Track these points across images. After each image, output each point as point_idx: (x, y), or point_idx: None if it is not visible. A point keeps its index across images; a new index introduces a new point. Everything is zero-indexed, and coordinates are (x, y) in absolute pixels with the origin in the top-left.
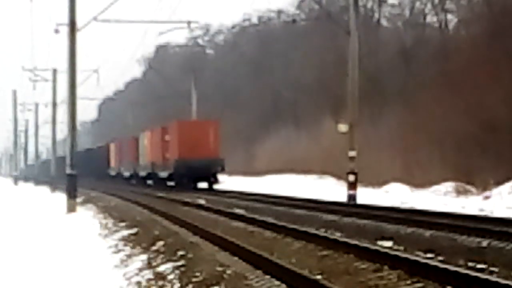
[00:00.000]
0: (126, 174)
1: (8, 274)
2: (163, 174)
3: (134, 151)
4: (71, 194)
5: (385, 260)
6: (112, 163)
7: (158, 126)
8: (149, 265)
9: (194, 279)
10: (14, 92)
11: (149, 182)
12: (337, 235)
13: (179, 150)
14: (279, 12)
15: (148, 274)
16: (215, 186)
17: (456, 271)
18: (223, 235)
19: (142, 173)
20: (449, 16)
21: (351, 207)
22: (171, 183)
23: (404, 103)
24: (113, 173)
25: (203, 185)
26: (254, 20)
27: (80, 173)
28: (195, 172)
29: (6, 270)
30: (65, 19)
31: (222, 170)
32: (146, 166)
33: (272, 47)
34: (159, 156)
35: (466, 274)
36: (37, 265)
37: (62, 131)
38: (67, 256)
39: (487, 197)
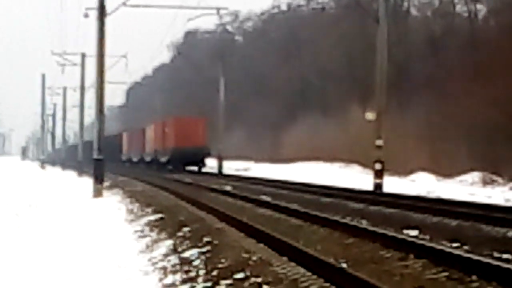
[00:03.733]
0: (135, 159)
1: (34, 258)
2: (163, 159)
3: (142, 140)
4: (98, 179)
5: (410, 249)
6: (124, 149)
7: (159, 120)
8: (174, 250)
9: (219, 265)
10: (43, 76)
11: (155, 167)
12: (363, 224)
13: (175, 140)
14: None
15: (174, 259)
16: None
17: (481, 261)
18: (249, 222)
19: (147, 159)
20: (479, 6)
21: (377, 196)
22: (170, 167)
23: (432, 92)
24: (124, 158)
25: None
26: (283, 7)
27: (89, 158)
28: (187, 157)
29: (33, 254)
30: (95, 3)
31: (208, 156)
32: (150, 152)
33: (300, 35)
34: (160, 145)
35: (491, 264)
36: (63, 249)
37: (90, 115)
38: (93, 241)
39: None
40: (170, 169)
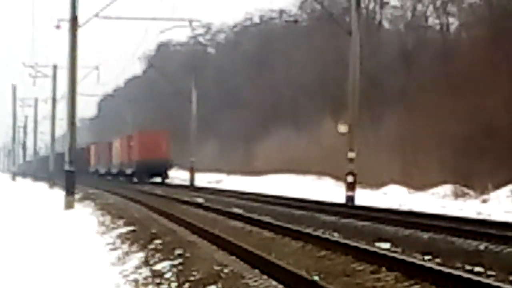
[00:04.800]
0: (102, 171)
1: (5, 270)
2: (128, 171)
3: (109, 153)
4: (69, 191)
5: (382, 262)
6: (92, 162)
7: (125, 134)
8: (146, 263)
9: (191, 278)
10: (14, 87)
11: (121, 178)
12: (335, 236)
13: (139, 153)
14: (281, 12)
15: (145, 272)
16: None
17: (453, 274)
18: (221, 234)
19: (114, 171)
20: (451, 19)
21: (349, 208)
22: (135, 179)
23: (404, 105)
24: (92, 170)
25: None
26: (256, 19)
27: (60, 170)
28: (151, 169)
29: (3, 266)
30: (67, 15)
31: (171, 168)
32: (117, 165)
33: (273, 47)
34: (125, 157)
35: (464, 277)
36: (35, 261)
37: (62, 127)
38: (65, 253)
39: (485, 201)
40: (136, 181)
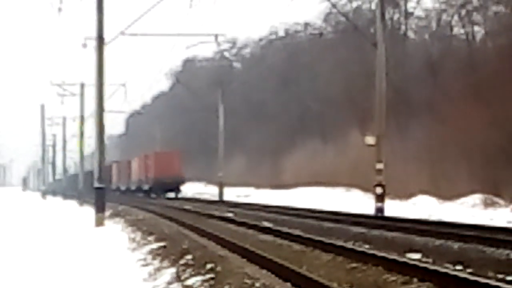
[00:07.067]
0: (123, 188)
1: (40, 286)
2: (146, 187)
3: (128, 171)
4: (99, 208)
5: (414, 273)
6: (113, 179)
7: (142, 154)
8: (178, 278)
9: None
10: (42, 107)
11: (140, 194)
12: (365, 248)
13: (155, 171)
14: (306, 25)
15: (177, 287)
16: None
17: (486, 283)
18: (252, 248)
19: (133, 187)
20: (476, 28)
21: (379, 220)
22: (153, 195)
23: (431, 115)
24: (113, 187)
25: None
26: (281, 33)
27: (89, 187)
28: (165, 186)
29: (39, 283)
30: (93, 33)
31: (183, 184)
32: (135, 182)
33: (298, 60)
34: (143, 175)
35: (496, 287)
36: (67, 279)
37: (90, 145)
38: (96, 270)
39: None
40: (153, 196)
